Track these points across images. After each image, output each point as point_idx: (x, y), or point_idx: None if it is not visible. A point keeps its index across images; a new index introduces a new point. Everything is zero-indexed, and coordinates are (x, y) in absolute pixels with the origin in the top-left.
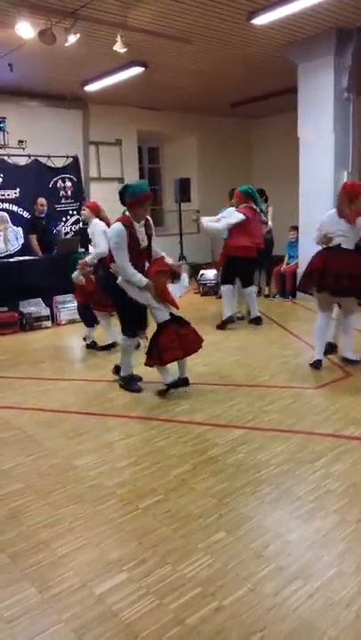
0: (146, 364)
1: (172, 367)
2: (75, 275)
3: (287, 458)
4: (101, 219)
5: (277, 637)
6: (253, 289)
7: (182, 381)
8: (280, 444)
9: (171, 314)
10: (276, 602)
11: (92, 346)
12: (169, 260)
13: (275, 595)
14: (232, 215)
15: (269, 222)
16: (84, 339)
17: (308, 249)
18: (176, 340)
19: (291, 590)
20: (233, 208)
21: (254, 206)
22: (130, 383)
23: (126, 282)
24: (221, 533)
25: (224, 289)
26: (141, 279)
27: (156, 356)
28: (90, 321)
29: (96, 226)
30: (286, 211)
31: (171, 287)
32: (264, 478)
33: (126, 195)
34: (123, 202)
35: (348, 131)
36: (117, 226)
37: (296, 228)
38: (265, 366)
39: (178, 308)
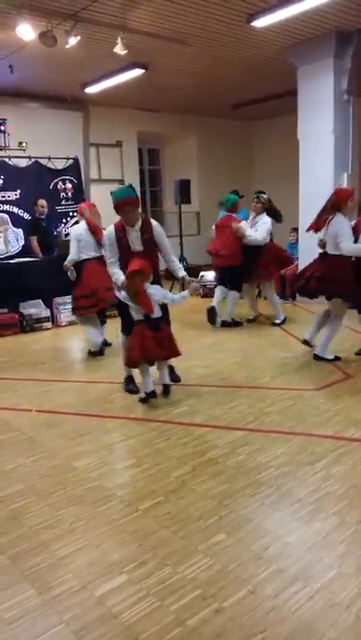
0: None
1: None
2: (71, 275)
3: (287, 459)
4: (87, 221)
5: (277, 639)
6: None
7: (164, 387)
8: (280, 445)
9: (147, 316)
10: (277, 604)
11: (104, 344)
12: (181, 273)
13: (275, 596)
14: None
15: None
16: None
17: (307, 251)
18: (141, 342)
19: (291, 592)
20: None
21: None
22: (127, 384)
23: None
24: (221, 535)
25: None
26: (118, 278)
27: (125, 356)
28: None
29: (73, 230)
30: (286, 212)
31: (169, 294)
32: (264, 480)
33: (113, 200)
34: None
35: (348, 133)
36: (109, 228)
37: (296, 230)
38: (265, 368)
39: (151, 312)
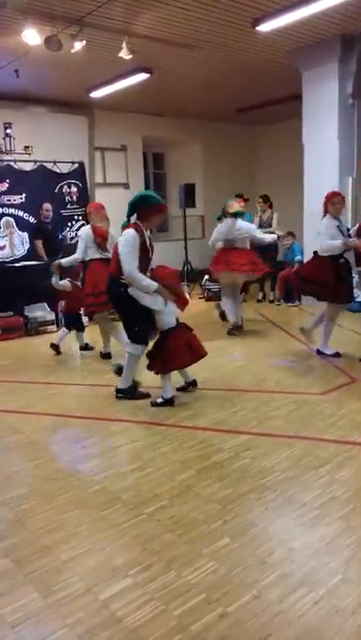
0: (149, 369)
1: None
2: (54, 281)
3: (292, 464)
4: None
5: None
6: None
7: (191, 384)
8: (285, 449)
9: (177, 319)
10: (282, 609)
11: (86, 348)
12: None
13: (280, 602)
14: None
15: (273, 227)
16: (83, 347)
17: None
18: (185, 346)
19: (296, 597)
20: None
21: None
22: (134, 391)
23: (137, 289)
24: (226, 539)
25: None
26: (151, 283)
27: (161, 363)
28: (81, 325)
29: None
30: (289, 216)
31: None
32: (269, 484)
33: (143, 204)
34: (134, 211)
35: (352, 137)
36: (131, 231)
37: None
38: (270, 372)
39: (186, 305)
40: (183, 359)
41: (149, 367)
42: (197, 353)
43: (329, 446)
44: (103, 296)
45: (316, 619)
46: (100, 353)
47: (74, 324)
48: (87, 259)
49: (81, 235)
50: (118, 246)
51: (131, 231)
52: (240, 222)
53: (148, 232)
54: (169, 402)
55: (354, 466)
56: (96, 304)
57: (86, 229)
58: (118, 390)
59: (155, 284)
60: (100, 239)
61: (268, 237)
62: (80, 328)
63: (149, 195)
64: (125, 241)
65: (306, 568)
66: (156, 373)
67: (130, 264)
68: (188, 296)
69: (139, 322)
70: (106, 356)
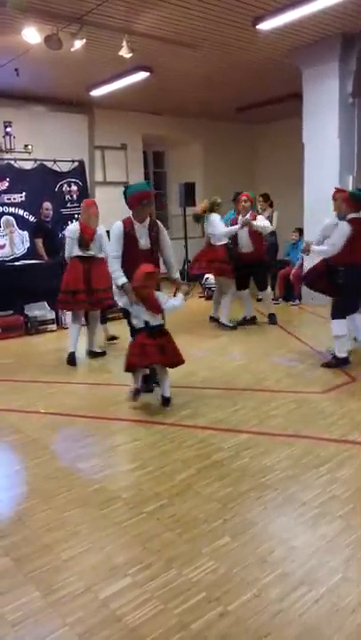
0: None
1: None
2: None
3: (292, 463)
4: (80, 220)
5: None
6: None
7: (163, 400)
8: (285, 448)
9: (147, 323)
10: (282, 607)
11: (113, 338)
12: (175, 275)
13: (280, 600)
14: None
15: (273, 226)
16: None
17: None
18: (141, 349)
19: (296, 596)
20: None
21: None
22: (144, 387)
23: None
24: (226, 538)
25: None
26: (120, 277)
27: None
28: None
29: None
30: (289, 214)
31: (165, 298)
32: (269, 483)
33: (126, 196)
34: (126, 202)
35: (353, 136)
36: (117, 223)
37: (299, 230)
38: (270, 371)
39: (160, 313)
40: (132, 360)
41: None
42: (151, 358)
43: (329, 445)
44: (80, 295)
45: (316, 617)
46: (90, 351)
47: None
48: (72, 255)
49: (68, 231)
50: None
51: (117, 223)
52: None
53: (145, 224)
54: (134, 392)
55: (354, 465)
56: (70, 302)
57: (74, 226)
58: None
59: (122, 280)
60: (86, 237)
61: (227, 230)
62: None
63: (130, 186)
64: (111, 230)
65: (306, 567)
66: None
67: (110, 252)
68: (178, 299)
69: (127, 317)
70: (92, 353)
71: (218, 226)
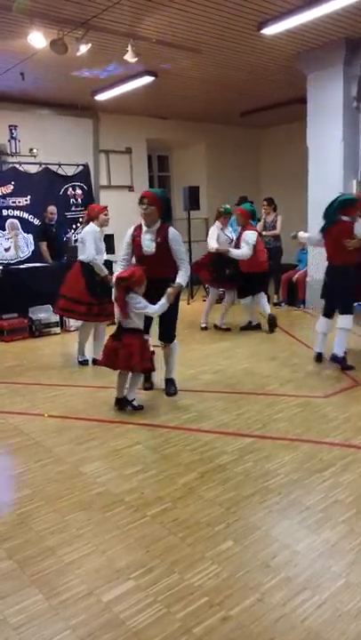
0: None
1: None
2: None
3: (296, 467)
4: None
5: None
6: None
7: (116, 400)
8: (289, 452)
9: (119, 325)
10: (285, 612)
11: None
12: (177, 281)
13: (283, 605)
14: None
15: (277, 230)
16: None
17: (316, 257)
18: (105, 349)
19: (299, 601)
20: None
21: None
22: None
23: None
24: (229, 542)
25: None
26: (102, 269)
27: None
28: None
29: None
30: (294, 219)
31: (150, 306)
32: (272, 487)
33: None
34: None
35: (357, 140)
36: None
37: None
38: (274, 374)
39: (125, 319)
40: (112, 362)
41: None
42: (106, 359)
43: (333, 449)
44: (80, 306)
45: (319, 622)
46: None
47: None
48: (80, 258)
49: (88, 233)
50: None
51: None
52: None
53: (153, 229)
54: (116, 401)
55: (358, 469)
56: (69, 310)
57: (95, 227)
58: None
59: (104, 272)
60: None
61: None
62: None
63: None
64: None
65: (309, 571)
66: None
67: (120, 256)
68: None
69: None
70: (84, 362)
71: (209, 236)
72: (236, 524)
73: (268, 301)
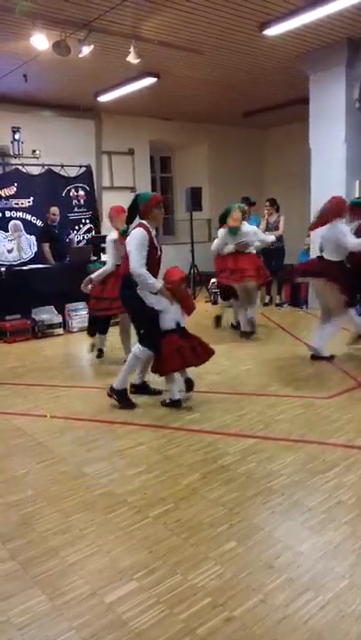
0: (152, 371)
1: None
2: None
3: (298, 468)
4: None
5: None
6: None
7: (186, 384)
8: (291, 453)
9: (178, 324)
10: (287, 613)
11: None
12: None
13: (286, 606)
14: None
15: (280, 230)
16: (98, 349)
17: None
18: (174, 352)
19: (302, 602)
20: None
21: None
22: (125, 399)
23: (143, 288)
24: (232, 543)
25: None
26: (155, 283)
27: (157, 365)
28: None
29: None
30: (296, 219)
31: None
32: (275, 488)
33: (140, 202)
34: (135, 212)
35: (359, 140)
36: (139, 230)
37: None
38: (276, 375)
39: (193, 311)
40: (172, 364)
41: (152, 369)
42: (188, 361)
43: (335, 450)
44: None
45: (322, 624)
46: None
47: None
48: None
49: (110, 241)
50: (127, 245)
51: (139, 230)
52: (246, 226)
53: (154, 232)
54: (175, 403)
55: (360, 470)
56: (112, 308)
57: (114, 235)
58: (112, 390)
59: (159, 285)
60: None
61: (269, 238)
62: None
63: (142, 192)
64: (134, 239)
65: (312, 572)
66: (155, 372)
67: (137, 261)
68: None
69: (148, 323)
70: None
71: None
72: (239, 525)
73: (271, 302)
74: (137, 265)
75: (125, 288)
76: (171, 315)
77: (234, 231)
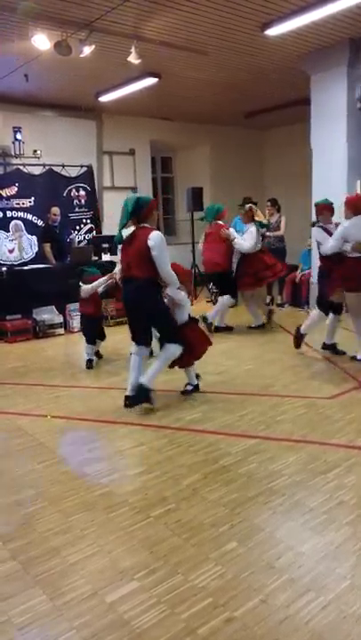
0: (181, 367)
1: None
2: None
3: (300, 468)
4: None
5: None
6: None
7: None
8: (293, 454)
9: (189, 315)
10: (289, 614)
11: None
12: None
13: (287, 606)
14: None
15: (281, 231)
16: (94, 356)
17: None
18: (202, 334)
19: (303, 602)
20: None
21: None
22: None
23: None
24: (233, 544)
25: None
26: (177, 280)
27: (188, 354)
28: (102, 334)
29: None
30: (298, 220)
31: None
32: (276, 489)
33: (143, 205)
34: (141, 215)
35: None
36: (159, 233)
37: None
38: (278, 375)
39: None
40: (203, 347)
41: (181, 364)
42: (209, 341)
43: (337, 451)
44: None
45: (323, 624)
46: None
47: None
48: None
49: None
50: (153, 250)
51: (158, 233)
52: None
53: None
54: (196, 388)
55: None
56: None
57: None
58: (141, 387)
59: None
60: None
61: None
62: (101, 337)
63: (140, 196)
64: (160, 243)
65: (313, 573)
66: (181, 367)
67: (167, 264)
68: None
69: (172, 320)
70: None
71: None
72: (240, 526)
73: (272, 302)
74: (168, 268)
75: (148, 291)
76: (187, 307)
77: (267, 226)
